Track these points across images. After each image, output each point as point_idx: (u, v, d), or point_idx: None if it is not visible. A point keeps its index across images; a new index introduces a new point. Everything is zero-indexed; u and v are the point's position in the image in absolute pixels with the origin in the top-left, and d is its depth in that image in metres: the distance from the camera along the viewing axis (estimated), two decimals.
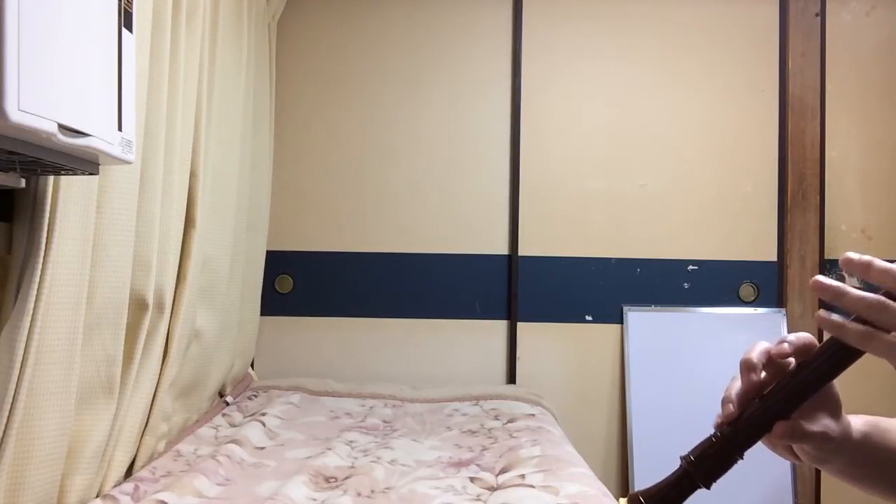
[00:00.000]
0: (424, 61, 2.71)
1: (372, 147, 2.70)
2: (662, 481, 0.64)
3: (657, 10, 2.70)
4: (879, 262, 0.55)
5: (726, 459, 0.63)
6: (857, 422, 0.68)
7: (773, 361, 0.63)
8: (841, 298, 0.56)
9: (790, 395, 0.62)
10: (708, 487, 0.63)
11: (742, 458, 0.63)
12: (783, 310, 2.64)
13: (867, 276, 0.56)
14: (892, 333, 0.54)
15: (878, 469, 0.68)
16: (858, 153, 2.68)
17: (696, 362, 2.57)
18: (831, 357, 0.61)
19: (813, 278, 0.57)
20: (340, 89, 2.70)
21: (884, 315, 0.54)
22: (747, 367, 0.62)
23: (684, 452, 0.65)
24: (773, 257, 2.67)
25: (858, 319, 0.56)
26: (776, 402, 0.62)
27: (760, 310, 2.65)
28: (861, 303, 0.55)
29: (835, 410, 0.65)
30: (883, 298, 0.54)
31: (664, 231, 2.68)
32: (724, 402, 0.63)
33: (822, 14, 2.67)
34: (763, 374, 0.63)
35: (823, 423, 0.64)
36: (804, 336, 0.62)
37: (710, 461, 0.63)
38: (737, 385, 0.64)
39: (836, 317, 0.56)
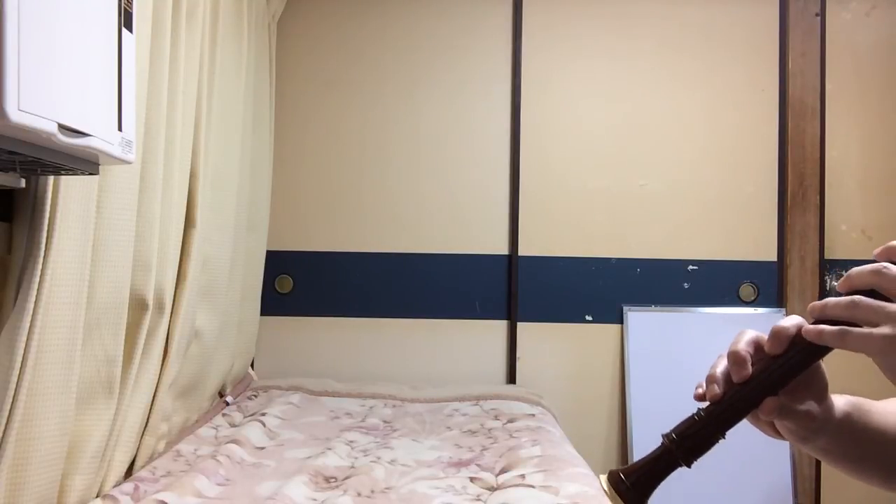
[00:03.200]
0: (424, 61, 2.71)
1: (372, 147, 2.70)
2: (643, 459, 0.64)
3: (657, 10, 2.70)
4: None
5: (708, 438, 0.63)
6: (840, 402, 0.69)
7: (759, 347, 0.64)
8: (824, 309, 0.61)
9: (775, 377, 0.63)
10: (689, 466, 0.63)
11: (724, 438, 0.63)
12: (783, 310, 2.64)
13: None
14: (863, 328, 0.58)
15: (857, 449, 0.69)
16: (858, 153, 2.68)
17: (696, 362, 2.54)
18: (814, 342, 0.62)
19: (804, 328, 0.62)
20: (340, 89, 2.70)
21: (857, 311, 0.59)
22: (736, 360, 0.63)
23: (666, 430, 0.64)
24: (773, 257, 2.67)
25: (840, 322, 0.60)
26: (760, 383, 0.63)
27: (760, 310, 2.65)
28: (837, 306, 0.60)
29: (821, 392, 0.66)
30: (855, 297, 0.59)
31: (664, 231, 2.68)
32: (709, 381, 0.64)
33: (822, 14, 2.67)
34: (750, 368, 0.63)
35: (808, 403, 0.65)
36: (797, 322, 0.63)
37: (691, 440, 0.63)
38: (722, 364, 0.65)
39: (813, 326, 0.61)
